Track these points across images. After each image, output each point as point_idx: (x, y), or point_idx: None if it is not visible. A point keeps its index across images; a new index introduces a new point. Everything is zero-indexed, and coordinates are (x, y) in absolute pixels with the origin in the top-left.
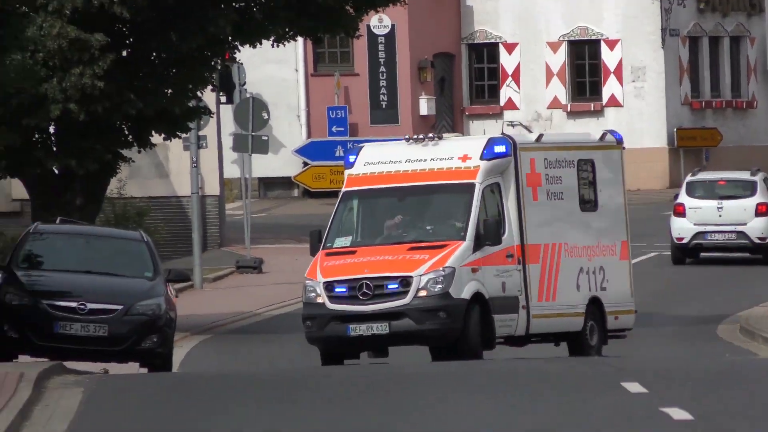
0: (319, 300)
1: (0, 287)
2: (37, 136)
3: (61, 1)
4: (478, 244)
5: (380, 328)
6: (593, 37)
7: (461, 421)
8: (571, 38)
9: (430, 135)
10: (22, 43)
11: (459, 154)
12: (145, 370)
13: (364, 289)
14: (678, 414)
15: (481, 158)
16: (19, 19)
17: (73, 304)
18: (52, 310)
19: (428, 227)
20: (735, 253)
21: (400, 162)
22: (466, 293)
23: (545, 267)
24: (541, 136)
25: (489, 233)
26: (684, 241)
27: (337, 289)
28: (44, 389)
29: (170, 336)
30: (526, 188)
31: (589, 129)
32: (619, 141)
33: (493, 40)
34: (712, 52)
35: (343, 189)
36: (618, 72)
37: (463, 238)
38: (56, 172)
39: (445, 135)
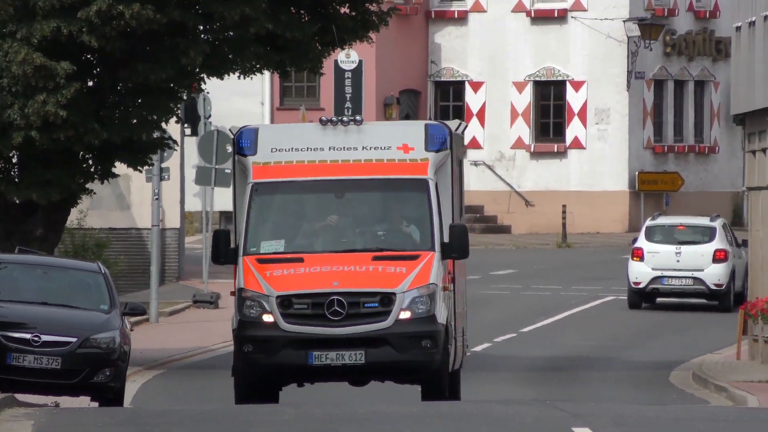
0: (268, 319)
1: None
2: None
3: (29, 30)
4: (444, 255)
5: (354, 356)
6: (559, 78)
7: None
8: (537, 78)
9: (350, 117)
10: None
11: (396, 142)
12: (96, 404)
13: (335, 307)
14: None
15: (427, 149)
16: None
17: (27, 336)
18: (5, 341)
19: (379, 232)
20: (691, 299)
21: (322, 149)
22: (442, 317)
23: (456, 288)
24: (461, 124)
25: (458, 243)
26: (641, 286)
27: (296, 306)
28: None
29: (123, 370)
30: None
31: (552, 170)
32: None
33: (459, 78)
34: (677, 95)
35: (252, 180)
36: (582, 113)
37: (432, 248)
38: (17, 202)
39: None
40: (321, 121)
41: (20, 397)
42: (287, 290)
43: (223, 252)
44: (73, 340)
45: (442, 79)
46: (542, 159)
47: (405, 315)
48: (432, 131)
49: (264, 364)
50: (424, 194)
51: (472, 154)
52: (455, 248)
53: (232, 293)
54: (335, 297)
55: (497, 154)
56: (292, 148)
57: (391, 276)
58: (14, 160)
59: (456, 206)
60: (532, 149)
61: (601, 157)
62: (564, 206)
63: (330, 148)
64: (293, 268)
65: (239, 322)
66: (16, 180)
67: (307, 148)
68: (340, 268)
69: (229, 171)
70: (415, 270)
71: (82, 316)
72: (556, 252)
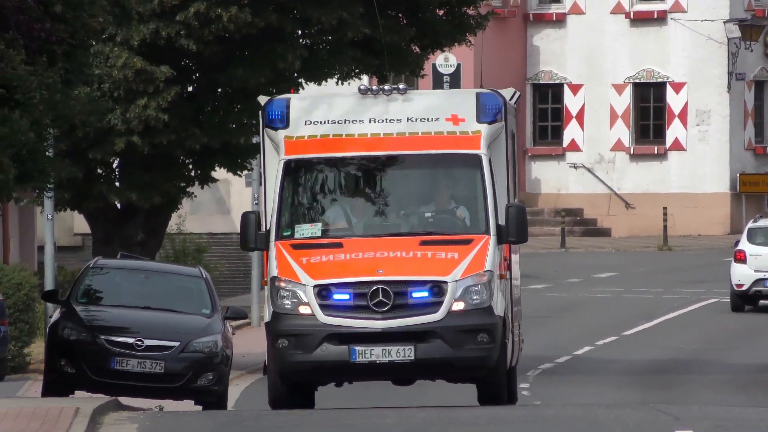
0: (305, 310)
1: (58, 322)
2: (100, 170)
3: (129, 33)
4: (499, 239)
5: (403, 352)
6: (659, 80)
7: None
8: (637, 80)
9: (393, 85)
10: (88, 77)
11: (445, 113)
12: (200, 408)
13: (381, 297)
14: None
15: (480, 120)
16: (85, 53)
17: (131, 340)
18: (109, 346)
19: (427, 214)
20: None
21: (362, 122)
22: (499, 308)
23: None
24: (516, 93)
25: (516, 225)
26: (743, 288)
27: (335, 296)
28: (99, 425)
29: (226, 374)
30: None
31: (652, 172)
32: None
33: (558, 81)
34: None
35: (284, 156)
36: (683, 115)
37: (487, 231)
38: (118, 206)
39: (401, 86)
40: (360, 89)
41: (124, 400)
42: (326, 279)
43: (253, 237)
44: (176, 344)
45: (540, 82)
46: (642, 161)
47: (458, 306)
48: (484, 101)
49: (301, 362)
50: (477, 171)
51: (571, 157)
52: (512, 231)
53: (264, 282)
54: (380, 286)
55: (597, 157)
56: (328, 121)
57: (442, 263)
58: (115, 164)
59: (510, 185)
60: (631, 151)
61: (702, 159)
62: (665, 208)
63: (371, 120)
64: (332, 255)
65: (273, 314)
66: (117, 183)
67: (345, 121)
68: (384, 254)
69: None
70: (468, 256)
71: (184, 321)
72: (657, 255)
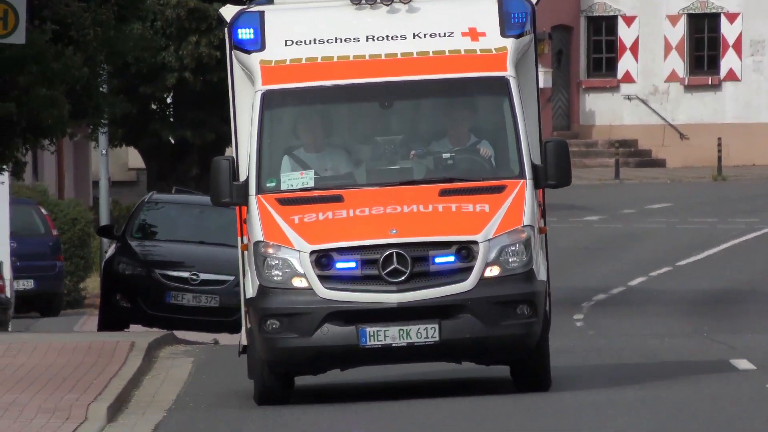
0: (300, 283)
1: (114, 256)
2: (153, 106)
3: None
4: (536, 184)
5: (425, 332)
6: (713, 11)
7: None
8: (691, 11)
9: None
10: (141, 12)
11: (461, 26)
12: None
13: (396, 264)
14: None
15: (504, 34)
16: None
17: (186, 275)
18: (164, 280)
19: (445, 155)
20: None
21: (357, 40)
22: (542, 272)
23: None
24: None
25: (557, 165)
26: None
27: (339, 264)
28: (155, 359)
29: None
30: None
31: (706, 103)
32: None
33: (612, 13)
34: None
35: (262, 87)
36: (737, 46)
37: (522, 175)
38: (172, 142)
39: None
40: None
41: (179, 334)
42: (326, 243)
43: (227, 189)
44: (231, 278)
45: (594, 14)
46: (696, 92)
47: (492, 272)
48: (509, 7)
49: (297, 348)
50: (505, 98)
51: (625, 89)
52: (552, 173)
53: (245, 248)
54: (394, 250)
55: (651, 88)
56: (315, 40)
57: (470, 217)
58: (168, 101)
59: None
60: (686, 82)
61: (757, 89)
62: (719, 139)
63: (369, 38)
64: (331, 211)
65: (259, 288)
66: (171, 120)
67: (336, 39)
68: (397, 208)
69: None
70: (502, 207)
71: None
72: (711, 185)
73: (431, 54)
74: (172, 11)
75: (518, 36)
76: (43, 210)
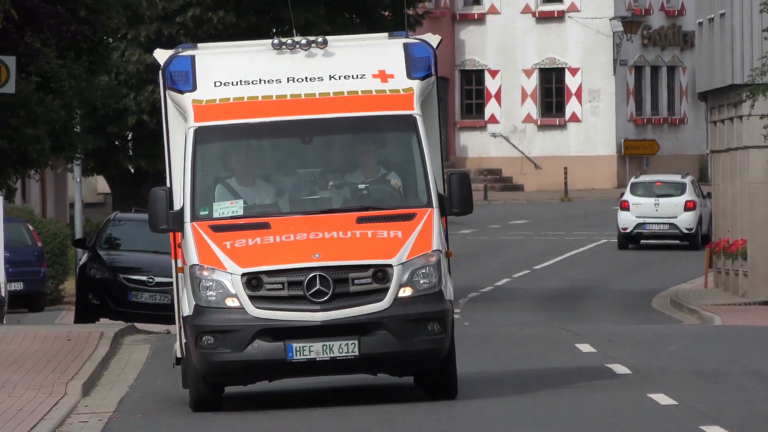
0: (232, 303)
1: (86, 264)
2: (117, 142)
3: (137, 31)
4: (442, 211)
5: (346, 347)
6: (559, 65)
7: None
8: (542, 66)
9: (311, 38)
10: (108, 68)
11: (371, 69)
12: None
13: (319, 285)
14: (620, 369)
15: (410, 76)
16: (105, 49)
17: (144, 278)
18: (126, 282)
19: (360, 185)
20: (668, 241)
21: (279, 81)
22: (449, 292)
23: None
24: (440, 39)
25: (460, 195)
26: (627, 231)
27: (267, 286)
28: (119, 345)
29: None
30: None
31: (555, 140)
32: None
33: (480, 67)
34: (653, 78)
35: (194, 123)
36: (578, 94)
37: (430, 204)
38: (132, 171)
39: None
40: (273, 44)
41: (139, 326)
42: (255, 266)
43: (164, 216)
44: None
45: (466, 68)
46: (547, 131)
47: (406, 292)
48: (413, 51)
49: (230, 361)
50: (413, 134)
51: (491, 128)
52: (456, 202)
53: (180, 270)
54: (317, 273)
55: (512, 127)
56: (241, 81)
57: (385, 243)
58: (129, 138)
59: (441, 149)
60: (539, 123)
61: (594, 129)
62: (565, 168)
63: (289, 80)
64: (259, 237)
65: (195, 307)
66: (131, 153)
67: (260, 80)
68: (319, 234)
69: None
70: (413, 233)
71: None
72: (560, 205)
73: (346, 94)
74: (133, 66)
75: (423, 78)
76: (30, 226)
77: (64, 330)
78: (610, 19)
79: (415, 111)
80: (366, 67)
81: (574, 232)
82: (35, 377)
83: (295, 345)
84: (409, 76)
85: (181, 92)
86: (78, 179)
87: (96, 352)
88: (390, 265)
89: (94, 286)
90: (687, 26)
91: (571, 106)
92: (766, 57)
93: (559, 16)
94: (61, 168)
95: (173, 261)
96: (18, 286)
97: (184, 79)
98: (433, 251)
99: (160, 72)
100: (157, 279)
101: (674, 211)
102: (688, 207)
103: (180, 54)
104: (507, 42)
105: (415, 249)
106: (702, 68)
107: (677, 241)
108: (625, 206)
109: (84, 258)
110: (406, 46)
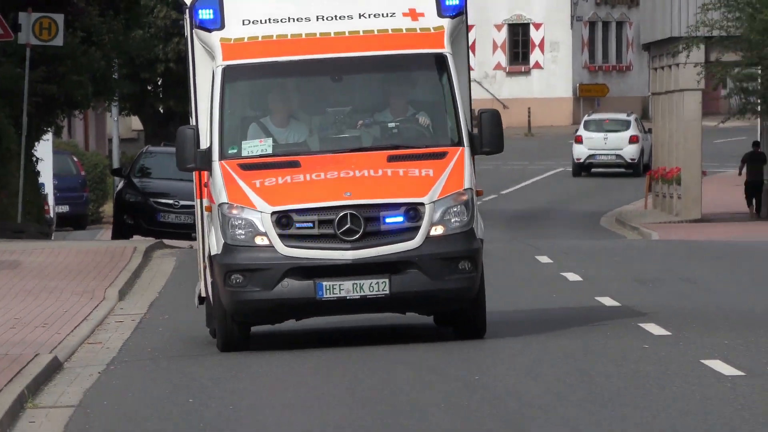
0: (262, 241)
1: (122, 189)
2: (149, 87)
3: None
4: (473, 150)
5: (376, 286)
6: (525, 21)
7: None
8: (510, 22)
9: None
10: (141, 23)
11: (401, 7)
12: None
13: (350, 224)
14: (572, 277)
15: (441, 14)
16: (139, 7)
17: (171, 201)
18: (156, 205)
19: (390, 124)
20: (615, 169)
21: (309, 20)
22: (480, 231)
23: None
24: None
25: (491, 133)
26: (581, 161)
27: (298, 224)
28: (150, 258)
29: None
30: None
31: (521, 84)
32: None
33: None
34: (604, 32)
35: (223, 62)
36: (541, 45)
37: (461, 142)
38: (161, 111)
39: None
40: None
41: (167, 242)
42: (285, 204)
43: (192, 154)
44: None
45: None
46: (514, 77)
47: (437, 231)
48: None
49: (259, 300)
50: (444, 73)
51: None
52: (488, 140)
53: (208, 209)
54: (348, 211)
55: (484, 74)
56: (270, 19)
57: (416, 181)
58: (159, 83)
59: (470, 88)
60: (507, 70)
61: (554, 75)
62: (529, 108)
63: (318, 18)
64: (289, 175)
65: (224, 246)
66: (161, 96)
67: (290, 19)
68: (350, 173)
69: None
70: (444, 172)
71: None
72: (524, 139)
73: (376, 32)
74: (161, 21)
75: (453, 16)
76: (74, 158)
77: (103, 245)
78: None
79: (446, 49)
80: (396, 5)
81: (536, 162)
82: (79, 284)
83: (325, 283)
84: (440, 14)
85: (209, 31)
86: (116, 118)
87: (130, 263)
88: (422, 204)
89: (128, 208)
90: None
91: (535, 56)
92: (700, 13)
93: None
94: (101, 109)
95: (197, 200)
96: (64, 208)
97: (212, 18)
98: (464, 189)
99: (187, 11)
100: (182, 202)
101: (620, 144)
102: (632, 141)
103: None
104: (481, 0)
105: (447, 188)
106: (646, 23)
107: (622, 170)
108: (578, 140)
109: (120, 185)
110: None
